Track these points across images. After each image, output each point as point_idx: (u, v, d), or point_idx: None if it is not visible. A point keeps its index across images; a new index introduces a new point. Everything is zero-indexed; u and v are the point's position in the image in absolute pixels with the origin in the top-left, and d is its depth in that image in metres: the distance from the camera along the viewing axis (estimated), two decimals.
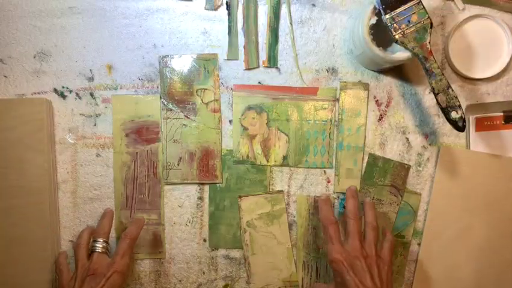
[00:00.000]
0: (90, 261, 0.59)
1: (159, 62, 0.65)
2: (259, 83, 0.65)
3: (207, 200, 0.66)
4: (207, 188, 0.66)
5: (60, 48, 0.65)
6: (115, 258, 0.59)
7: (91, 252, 0.60)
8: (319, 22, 0.65)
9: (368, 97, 0.65)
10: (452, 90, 0.56)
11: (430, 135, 0.65)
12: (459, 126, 0.57)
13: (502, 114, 0.64)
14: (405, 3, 0.56)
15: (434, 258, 0.65)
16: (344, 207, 0.65)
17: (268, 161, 0.65)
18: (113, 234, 0.65)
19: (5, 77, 0.65)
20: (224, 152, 0.65)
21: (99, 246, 0.60)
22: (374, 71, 0.65)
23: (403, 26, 0.56)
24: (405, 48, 0.56)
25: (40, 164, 0.62)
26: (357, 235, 0.57)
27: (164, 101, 0.65)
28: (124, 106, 0.65)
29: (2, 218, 0.62)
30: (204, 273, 0.67)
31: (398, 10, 0.56)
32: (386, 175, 0.65)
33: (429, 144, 0.65)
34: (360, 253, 0.56)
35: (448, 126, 0.58)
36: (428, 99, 0.65)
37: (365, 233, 0.59)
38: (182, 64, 0.65)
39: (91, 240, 0.61)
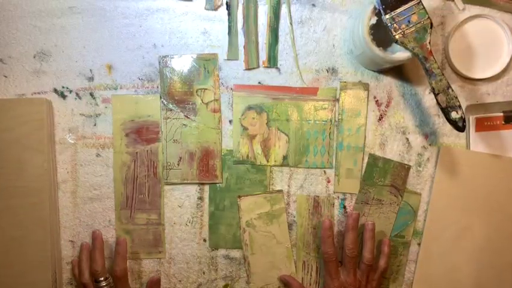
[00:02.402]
0: None
1: (159, 62, 0.65)
2: (259, 83, 0.65)
3: (207, 200, 0.66)
4: (207, 188, 0.66)
5: (60, 48, 0.65)
6: None
7: None
8: (319, 22, 0.65)
9: (368, 97, 0.65)
10: (452, 90, 0.56)
11: (430, 136, 0.65)
12: (459, 126, 0.57)
13: (502, 114, 0.64)
14: (405, 3, 0.56)
15: (434, 258, 0.65)
16: (344, 206, 0.65)
17: (268, 161, 0.65)
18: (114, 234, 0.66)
19: (5, 77, 0.65)
20: (224, 152, 0.65)
21: (104, 284, 0.61)
22: (374, 71, 0.65)
23: (403, 26, 0.56)
24: (405, 48, 0.56)
25: (40, 164, 0.62)
26: (352, 271, 0.62)
27: (164, 101, 0.65)
28: (124, 106, 0.65)
29: (2, 218, 0.62)
30: (204, 273, 0.67)
31: (398, 10, 0.56)
32: (386, 175, 0.65)
33: (430, 145, 0.65)
34: (354, 287, 0.62)
35: (448, 126, 0.58)
36: (428, 99, 0.65)
37: (360, 264, 0.63)
38: (182, 64, 0.65)
39: (94, 280, 0.62)
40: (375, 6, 0.57)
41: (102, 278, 0.61)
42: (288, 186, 0.66)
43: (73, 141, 0.65)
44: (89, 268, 0.62)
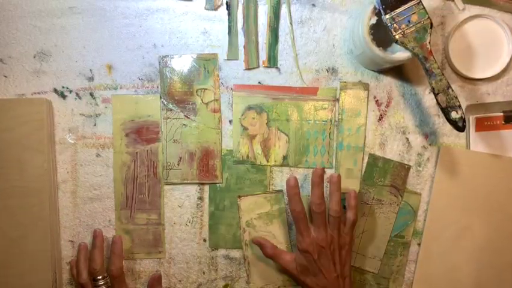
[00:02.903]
0: None
1: (159, 62, 0.65)
2: (259, 83, 0.65)
3: (207, 200, 0.66)
4: (207, 188, 0.66)
5: (60, 48, 0.65)
6: None
7: None
8: (319, 22, 0.65)
9: (368, 97, 0.65)
10: (452, 90, 0.56)
11: (430, 135, 0.65)
12: (459, 126, 0.57)
13: (502, 114, 0.64)
14: (405, 3, 0.56)
15: (434, 258, 0.65)
16: (344, 206, 0.65)
17: (268, 161, 0.65)
18: (113, 232, 0.66)
19: (5, 77, 0.65)
20: (224, 152, 0.65)
21: (102, 283, 0.61)
22: (374, 71, 0.65)
23: (403, 26, 0.56)
24: (405, 48, 0.56)
25: (40, 164, 0.62)
26: (322, 227, 0.60)
27: (164, 101, 0.65)
28: (124, 106, 0.65)
29: (1, 218, 0.62)
30: (204, 273, 0.67)
31: (398, 10, 0.56)
32: (386, 175, 0.65)
33: (429, 144, 0.65)
34: (325, 242, 0.60)
35: (448, 126, 0.58)
36: (428, 99, 0.65)
37: (328, 217, 0.61)
38: (182, 64, 0.65)
39: (92, 278, 0.62)
40: (375, 6, 0.57)
41: (100, 277, 0.61)
42: None
43: (73, 141, 0.65)
44: (88, 267, 0.62)
